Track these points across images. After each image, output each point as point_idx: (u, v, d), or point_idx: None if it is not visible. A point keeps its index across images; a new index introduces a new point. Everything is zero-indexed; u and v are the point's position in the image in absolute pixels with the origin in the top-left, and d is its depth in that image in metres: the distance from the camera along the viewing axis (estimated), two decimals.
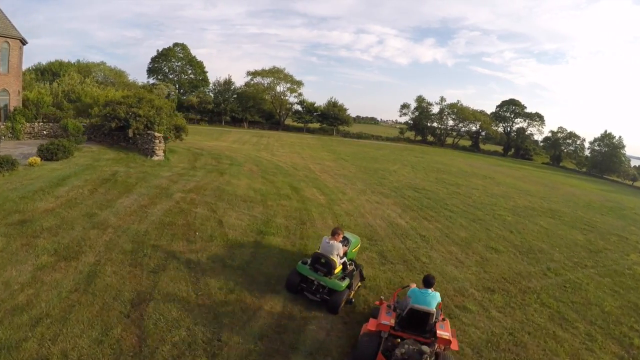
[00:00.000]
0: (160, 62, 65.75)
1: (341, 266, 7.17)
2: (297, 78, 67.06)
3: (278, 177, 18.93)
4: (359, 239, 8.88)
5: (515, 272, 10.47)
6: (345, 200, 16.02)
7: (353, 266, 7.69)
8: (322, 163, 27.09)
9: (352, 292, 7.23)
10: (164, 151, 20.01)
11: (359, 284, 7.76)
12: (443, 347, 5.47)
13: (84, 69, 51.03)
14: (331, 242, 7.10)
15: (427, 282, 5.86)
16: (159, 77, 65.65)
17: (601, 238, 15.96)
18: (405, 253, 10.64)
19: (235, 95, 65.38)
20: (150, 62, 66.07)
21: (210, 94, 65.68)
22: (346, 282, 6.96)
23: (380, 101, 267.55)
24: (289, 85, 66.28)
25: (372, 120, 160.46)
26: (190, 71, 68.08)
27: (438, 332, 5.44)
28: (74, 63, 52.67)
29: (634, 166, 61.47)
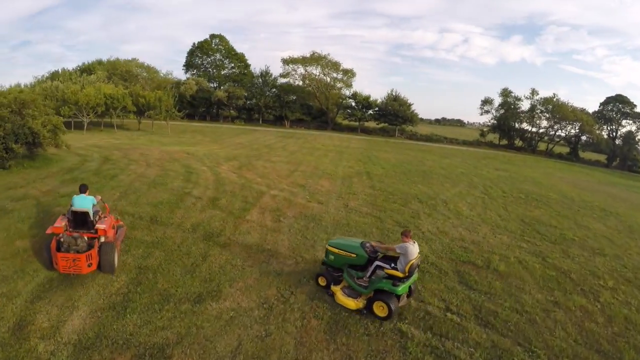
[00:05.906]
0: (198, 57, 60.77)
1: None
2: (351, 72, 55.34)
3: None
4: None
5: None
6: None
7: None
8: (316, 184, 15.90)
9: None
10: None
11: None
12: (104, 238, 7.13)
13: (111, 66, 48.11)
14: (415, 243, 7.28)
15: (82, 189, 7.52)
16: (200, 72, 60.75)
17: None
18: None
19: (274, 89, 57.13)
20: (187, 56, 61.36)
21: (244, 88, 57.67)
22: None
23: (466, 103, 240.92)
24: (337, 75, 55.11)
25: (458, 123, 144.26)
26: (231, 65, 61.97)
27: (97, 226, 7.21)
28: (105, 61, 50.00)
29: None
